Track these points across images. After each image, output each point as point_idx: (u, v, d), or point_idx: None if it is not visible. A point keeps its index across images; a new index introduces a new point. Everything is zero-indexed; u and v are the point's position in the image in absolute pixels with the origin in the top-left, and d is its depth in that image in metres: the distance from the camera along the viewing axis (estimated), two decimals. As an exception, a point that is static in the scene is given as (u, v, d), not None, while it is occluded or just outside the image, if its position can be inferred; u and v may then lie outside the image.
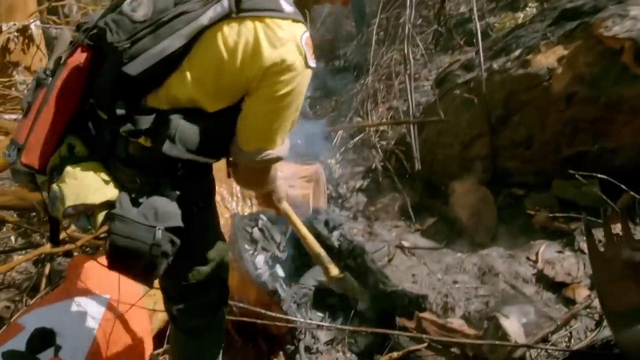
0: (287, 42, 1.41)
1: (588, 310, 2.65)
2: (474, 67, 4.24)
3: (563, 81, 3.50)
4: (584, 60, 3.46)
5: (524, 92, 3.68)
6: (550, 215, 3.31)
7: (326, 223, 2.96)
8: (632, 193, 2.73)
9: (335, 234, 2.89)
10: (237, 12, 1.38)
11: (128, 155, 1.51)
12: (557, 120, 3.55)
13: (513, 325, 2.46)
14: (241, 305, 2.57)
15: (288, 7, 1.43)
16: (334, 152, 4.97)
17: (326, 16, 7.70)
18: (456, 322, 2.66)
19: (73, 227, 3.18)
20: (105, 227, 1.49)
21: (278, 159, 1.62)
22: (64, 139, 1.52)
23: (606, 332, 2.45)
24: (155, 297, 2.50)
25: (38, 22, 5.62)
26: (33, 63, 5.52)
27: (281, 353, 2.74)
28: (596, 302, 2.64)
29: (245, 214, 3.16)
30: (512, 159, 3.84)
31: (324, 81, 6.32)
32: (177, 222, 1.52)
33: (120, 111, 1.43)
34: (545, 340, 2.49)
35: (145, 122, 1.44)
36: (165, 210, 1.50)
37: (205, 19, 1.38)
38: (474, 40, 4.43)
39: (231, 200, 3.41)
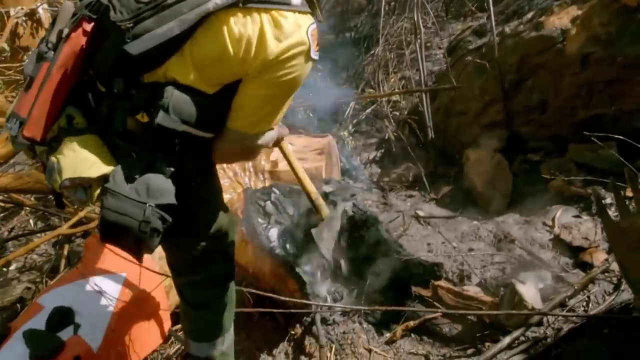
0: (292, 34, 1.39)
1: (606, 274, 2.62)
2: (486, 32, 4.17)
3: (577, 42, 3.41)
4: (598, 19, 3.37)
5: (537, 55, 3.60)
6: (566, 179, 3.26)
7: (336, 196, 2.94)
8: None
9: (349, 205, 2.87)
10: (244, 2, 1.36)
11: (125, 130, 1.50)
12: (572, 83, 3.48)
13: (529, 290, 2.44)
14: (253, 291, 2.58)
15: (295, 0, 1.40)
16: (346, 123, 4.94)
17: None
18: (472, 290, 2.65)
19: (90, 207, 3.23)
20: None
21: (260, 146, 1.61)
22: (64, 110, 1.52)
23: (624, 296, 2.42)
24: (172, 274, 2.52)
25: (45, 5, 5.60)
26: (42, 47, 5.51)
27: (298, 325, 2.76)
28: (614, 266, 2.60)
29: (258, 187, 3.15)
30: (526, 124, 3.78)
31: (336, 53, 6.26)
32: (170, 199, 1.51)
33: (118, 87, 1.43)
34: (563, 305, 2.47)
35: (142, 97, 1.44)
36: (158, 186, 1.50)
37: (211, 4, 1.36)
38: (486, 4, 4.33)
39: (244, 175, 3.41)
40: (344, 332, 2.66)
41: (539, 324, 2.39)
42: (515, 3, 4.21)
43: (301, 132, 3.88)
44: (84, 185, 1.50)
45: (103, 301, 2.33)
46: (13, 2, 5.34)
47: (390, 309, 2.60)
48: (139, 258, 1.60)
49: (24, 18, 5.40)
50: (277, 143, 2.17)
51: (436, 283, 2.66)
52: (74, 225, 3.23)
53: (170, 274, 2.02)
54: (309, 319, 2.73)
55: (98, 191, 1.51)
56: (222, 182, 3.27)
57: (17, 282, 3.63)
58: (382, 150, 4.70)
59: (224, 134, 1.57)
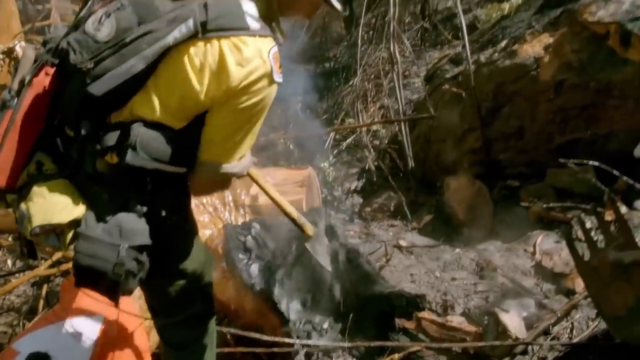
0: (254, 59, 1.38)
1: (588, 299, 2.62)
2: (462, 60, 4.22)
3: (551, 69, 3.47)
4: (570, 47, 3.44)
5: (512, 83, 3.66)
6: (545, 206, 3.28)
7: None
8: (625, 178, 2.70)
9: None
10: (203, 32, 1.36)
11: (96, 172, 1.48)
12: (547, 109, 3.53)
13: (513, 319, 2.42)
14: (234, 331, 2.55)
15: (254, 24, 1.40)
16: (327, 154, 4.95)
17: (316, 18, 7.69)
18: (456, 320, 2.63)
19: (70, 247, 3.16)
20: None
21: (234, 174, 1.59)
22: (33, 156, 1.50)
23: (608, 321, 2.41)
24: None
25: (23, 43, 5.59)
26: (21, 85, 5.50)
27: (281, 361, 2.71)
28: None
29: (239, 223, 3.13)
30: (504, 150, 3.81)
31: (315, 83, 6.31)
32: (144, 239, 1.49)
33: (85, 129, 1.41)
34: (546, 332, 2.46)
35: (111, 138, 1.42)
36: (131, 227, 1.47)
37: (170, 38, 1.36)
38: (460, 34, 4.40)
39: (224, 210, 3.38)
40: (328, 367, 2.63)
41: (524, 352, 2.38)
42: (489, 32, 4.29)
43: (281, 165, 3.88)
44: (55, 231, 1.47)
45: (81, 344, 2.27)
46: (-10, 41, 5.33)
47: (374, 344, 2.57)
48: (116, 301, 1.56)
49: (1, 56, 5.39)
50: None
51: (420, 315, 2.64)
52: (52, 265, 3.17)
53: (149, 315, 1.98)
54: (293, 355, 2.68)
55: (70, 235, 1.48)
56: (202, 217, 3.27)
57: (-6, 325, 3.54)
58: (363, 180, 4.70)
59: (197, 167, 1.54)
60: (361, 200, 4.49)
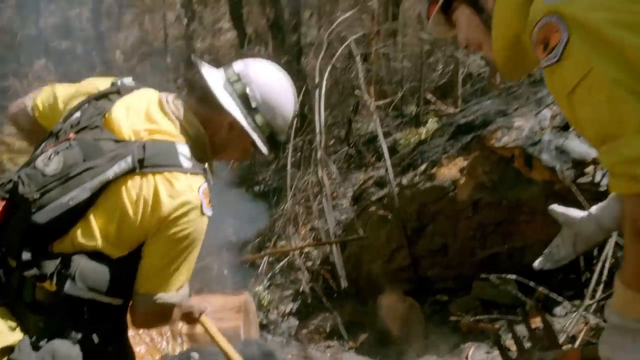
0: (185, 193, 1.51)
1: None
2: (386, 183, 4.50)
3: (467, 190, 3.78)
4: (482, 169, 3.77)
5: (434, 203, 3.93)
6: (473, 319, 3.44)
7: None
8: (541, 289, 2.92)
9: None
10: (140, 167, 1.49)
11: (34, 300, 1.51)
12: (467, 226, 3.79)
13: None
14: None
15: (186, 163, 1.55)
16: (261, 278, 4.99)
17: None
18: None
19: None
20: None
21: (173, 305, 1.65)
22: None
23: None
24: None
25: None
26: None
27: None
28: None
29: (176, 353, 3.08)
30: (432, 267, 4.01)
31: (246, 207, 6.45)
32: None
33: (26, 256, 1.47)
34: None
35: (50, 266, 1.47)
36: (65, 353, 1.49)
37: (110, 173, 1.48)
38: (383, 160, 4.73)
39: (161, 340, 3.32)
40: None
41: None
42: (409, 156, 4.62)
43: (216, 290, 3.89)
44: None
45: None
46: None
47: None
48: None
49: None
50: (197, 319, 2.16)
51: None
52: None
53: None
54: None
55: None
56: (138, 348, 3.19)
57: None
58: (298, 302, 4.74)
59: (135, 298, 1.59)
60: (297, 323, 4.50)
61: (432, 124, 6.90)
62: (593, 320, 2.90)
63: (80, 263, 1.48)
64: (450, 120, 4.83)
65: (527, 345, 1.65)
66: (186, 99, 1.71)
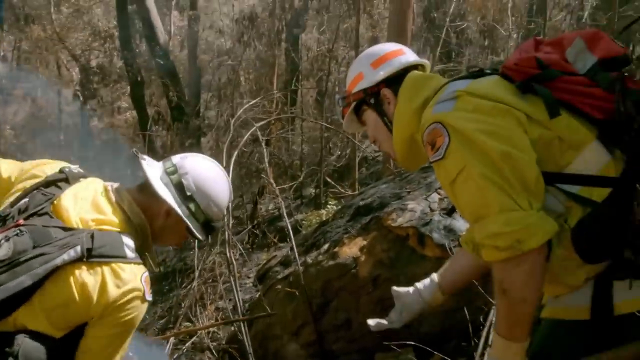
0: (129, 282, 1.67)
1: None
2: (291, 262, 4.72)
3: (367, 267, 4.07)
4: (380, 247, 4.10)
5: (337, 280, 4.18)
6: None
7: None
8: (440, 355, 3.20)
9: None
10: (88, 257, 1.63)
11: None
12: (368, 301, 4.05)
13: None
14: None
15: (130, 254, 1.71)
16: (166, 360, 4.93)
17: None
18: None
19: None
20: None
21: None
22: None
23: None
24: None
25: None
26: None
27: None
28: None
29: None
30: (336, 341, 4.20)
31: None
32: None
33: None
34: None
35: None
36: None
37: (59, 260, 1.59)
38: (287, 238, 4.96)
39: None
40: None
41: None
42: (312, 236, 4.90)
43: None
44: None
45: None
46: None
47: None
48: None
49: None
50: None
51: None
52: None
53: None
54: None
55: None
56: None
57: None
58: (205, 383, 4.73)
59: None
60: (204, 404, 4.48)
61: (331, 206, 7.28)
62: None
63: (24, 342, 1.56)
64: (349, 202, 5.19)
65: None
66: (129, 188, 1.89)
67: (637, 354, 1.51)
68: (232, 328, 4.99)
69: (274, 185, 5.95)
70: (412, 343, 3.21)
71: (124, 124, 15.13)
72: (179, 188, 1.86)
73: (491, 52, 11.03)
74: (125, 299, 1.64)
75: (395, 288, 2.19)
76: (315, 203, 8.49)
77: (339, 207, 5.89)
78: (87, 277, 1.61)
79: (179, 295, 6.11)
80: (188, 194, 1.86)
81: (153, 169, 1.89)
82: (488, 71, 1.77)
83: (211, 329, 5.21)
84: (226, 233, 4.98)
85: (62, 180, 1.80)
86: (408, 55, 2.00)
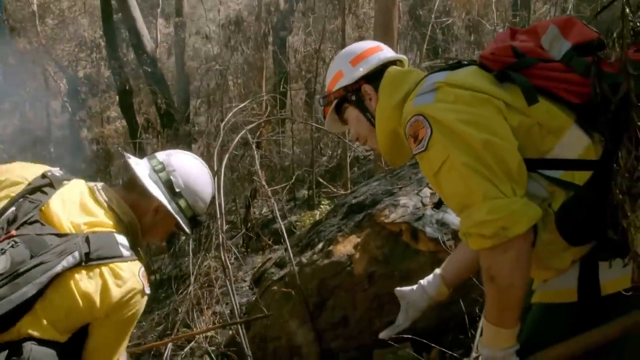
0: (129, 280, 1.71)
1: None
2: (286, 263, 4.73)
3: (362, 264, 4.09)
4: (374, 244, 4.12)
5: (332, 278, 4.20)
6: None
7: None
8: (438, 347, 3.23)
9: None
10: (87, 261, 1.65)
11: None
12: (364, 298, 4.07)
13: None
14: None
15: (126, 252, 1.74)
16: (166, 366, 4.94)
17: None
18: None
19: None
20: None
21: None
22: None
23: None
24: None
25: None
26: None
27: None
28: None
29: None
30: (334, 339, 4.22)
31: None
32: None
33: None
34: None
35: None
36: None
37: (59, 267, 1.61)
38: (282, 239, 4.97)
39: None
40: None
41: None
42: (306, 236, 4.91)
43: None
44: None
45: None
46: None
47: None
48: None
49: None
50: None
51: None
52: None
53: None
54: None
55: None
56: None
57: None
58: (205, 387, 4.74)
59: None
60: (205, 408, 4.49)
61: (324, 206, 7.30)
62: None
63: (32, 349, 1.58)
64: (342, 201, 5.22)
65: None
66: (114, 187, 1.92)
67: (624, 330, 1.54)
68: (230, 331, 5.00)
69: (267, 187, 5.96)
70: (410, 337, 3.23)
71: (114, 134, 15.09)
72: (168, 185, 1.92)
73: (477, 47, 11.08)
74: (127, 296, 1.68)
75: (398, 288, 2.20)
76: (308, 204, 8.51)
77: (332, 206, 5.91)
78: (88, 281, 1.64)
79: (175, 301, 6.12)
80: (177, 190, 1.93)
81: (141, 168, 1.93)
82: (465, 62, 1.80)
83: (209, 333, 5.21)
84: (220, 237, 4.99)
85: (46, 185, 1.80)
86: (386, 52, 2.04)
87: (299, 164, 9.80)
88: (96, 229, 1.74)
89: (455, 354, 3.36)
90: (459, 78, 1.68)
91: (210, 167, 2.15)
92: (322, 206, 7.35)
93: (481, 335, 1.71)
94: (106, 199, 1.83)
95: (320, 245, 4.49)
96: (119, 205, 1.84)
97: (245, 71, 12.78)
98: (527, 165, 1.55)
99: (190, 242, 6.27)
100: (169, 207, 1.90)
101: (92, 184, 1.91)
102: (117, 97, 13.81)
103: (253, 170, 7.28)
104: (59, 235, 1.68)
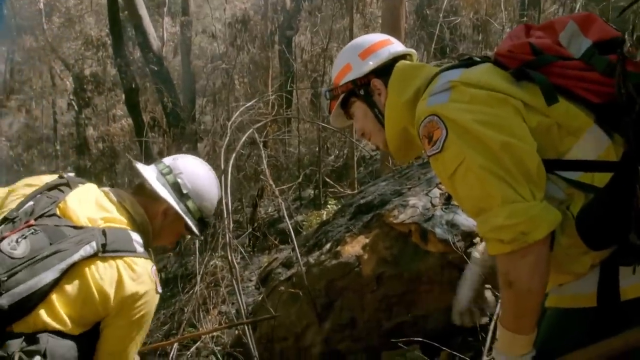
0: (142, 275, 1.72)
1: None
2: (293, 263, 4.71)
3: (370, 265, 4.06)
4: (383, 244, 4.09)
5: (340, 279, 4.17)
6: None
7: None
8: (447, 350, 3.19)
9: None
10: (103, 252, 1.66)
11: None
12: (373, 299, 4.04)
13: None
14: None
15: (139, 248, 1.77)
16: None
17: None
18: None
19: None
20: None
21: None
22: None
23: None
24: None
25: None
26: None
27: None
28: None
29: None
30: (342, 340, 4.18)
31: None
32: None
33: None
34: None
35: (14, 345, 1.54)
36: None
37: (76, 256, 1.62)
38: (288, 239, 4.95)
39: None
40: None
41: None
42: (314, 236, 4.89)
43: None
44: None
45: None
46: None
47: None
48: None
49: None
50: None
51: None
52: None
53: None
54: None
55: None
56: None
57: None
58: (212, 387, 4.72)
59: None
60: (212, 408, 4.47)
61: (331, 206, 7.27)
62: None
63: (49, 340, 1.58)
64: (350, 201, 5.18)
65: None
66: (126, 191, 1.94)
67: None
68: (236, 332, 4.97)
69: (274, 186, 5.93)
70: (419, 339, 3.20)
71: (120, 132, 15.12)
72: (175, 187, 1.98)
73: (485, 47, 11.03)
74: (141, 293, 1.69)
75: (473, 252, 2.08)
76: (314, 204, 8.48)
77: (339, 206, 5.87)
78: (103, 271, 1.65)
79: (181, 300, 6.11)
80: (184, 192, 1.98)
81: (149, 172, 1.97)
82: (478, 59, 1.75)
83: (215, 334, 5.19)
84: (227, 236, 4.96)
85: (63, 184, 1.85)
86: (396, 45, 1.96)
87: (305, 164, 9.77)
88: (112, 225, 1.77)
89: (464, 357, 3.32)
90: (474, 76, 1.61)
91: (217, 166, 2.17)
92: (328, 206, 7.32)
93: (492, 339, 1.67)
94: (120, 199, 1.87)
95: (328, 246, 4.46)
96: (132, 205, 1.88)
97: (252, 70, 12.77)
98: (545, 166, 1.50)
99: (197, 241, 6.26)
100: (177, 208, 1.94)
101: (104, 188, 1.95)
102: (123, 96, 13.82)
103: (260, 169, 7.26)
104: (76, 228, 1.71)
